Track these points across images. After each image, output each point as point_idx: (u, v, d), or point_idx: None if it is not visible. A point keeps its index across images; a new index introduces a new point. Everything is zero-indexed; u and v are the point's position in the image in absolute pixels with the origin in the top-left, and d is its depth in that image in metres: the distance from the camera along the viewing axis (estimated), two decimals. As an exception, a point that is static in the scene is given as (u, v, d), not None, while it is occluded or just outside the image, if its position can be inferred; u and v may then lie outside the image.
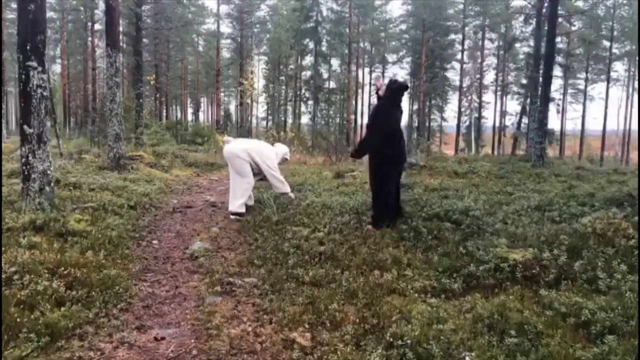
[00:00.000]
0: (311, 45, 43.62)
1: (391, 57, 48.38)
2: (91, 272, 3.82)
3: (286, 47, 38.82)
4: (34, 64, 5.47)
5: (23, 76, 5.48)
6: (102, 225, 5.31)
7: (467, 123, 45.94)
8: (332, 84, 48.36)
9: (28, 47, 5.45)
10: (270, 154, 6.81)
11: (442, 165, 12.20)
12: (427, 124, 45.60)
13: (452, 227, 5.20)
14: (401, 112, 5.61)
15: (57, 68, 40.31)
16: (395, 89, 5.59)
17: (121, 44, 13.34)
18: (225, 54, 44.83)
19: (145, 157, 11.93)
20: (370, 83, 48.41)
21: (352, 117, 41.13)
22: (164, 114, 47.22)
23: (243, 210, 6.50)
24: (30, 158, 5.53)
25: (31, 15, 5.46)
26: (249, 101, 19.10)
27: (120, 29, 12.94)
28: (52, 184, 5.76)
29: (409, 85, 5.92)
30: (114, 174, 8.94)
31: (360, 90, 47.63)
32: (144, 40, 21.21)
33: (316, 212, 6.15)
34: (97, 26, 33.71)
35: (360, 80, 46.36)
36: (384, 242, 4.87)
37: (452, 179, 10.16)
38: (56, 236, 4.73)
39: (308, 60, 45.27)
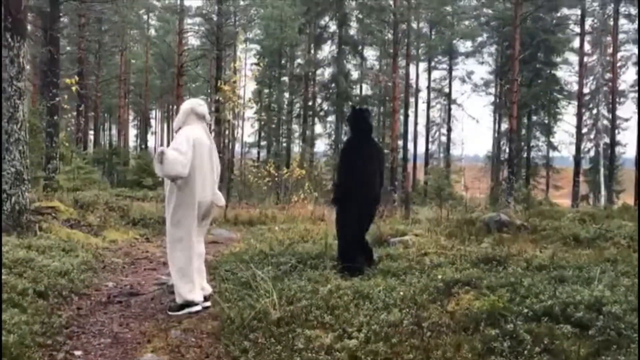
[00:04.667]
0: (332, 26, 44.47)
1: (463, 46, 49.18)
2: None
3: (291, 31, 39.56)
4: None
5: None
6: (-7, 324, 5.34)
7: (592, 154, 45.84)
8: (367, 90, 48.96)
9: None
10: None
11: (553, 226, 12.09)
12: (525, 155, 45.65)
13: (575, 332, 5.15)
14: (371, 146, 8.12)
15: None
16: (349, 120, 8.50)
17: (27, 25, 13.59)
18: (193, 40, 45.85)
19: (61, 209, 12.05)
20: (428, 88, 49.03)
21: (400, 142, 41.34)
22: (91, 137, 48.24)
23: (199, 297, 6.70)
24: None
25: None
26: (230, 117, 19.38)
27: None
28: None
29: (365, 109, 8.93)
30: (11, 239, 9.04)
31: (412, 99, 48.13)
32: (62, 19, 21.74)
33: (345, 304, 6.14)
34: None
35: (413, 82, 46.86)
36: (460, 357, 4.84)
37: (570, 249, 10.05)
38: None
39: (327, 51, 46.09)
